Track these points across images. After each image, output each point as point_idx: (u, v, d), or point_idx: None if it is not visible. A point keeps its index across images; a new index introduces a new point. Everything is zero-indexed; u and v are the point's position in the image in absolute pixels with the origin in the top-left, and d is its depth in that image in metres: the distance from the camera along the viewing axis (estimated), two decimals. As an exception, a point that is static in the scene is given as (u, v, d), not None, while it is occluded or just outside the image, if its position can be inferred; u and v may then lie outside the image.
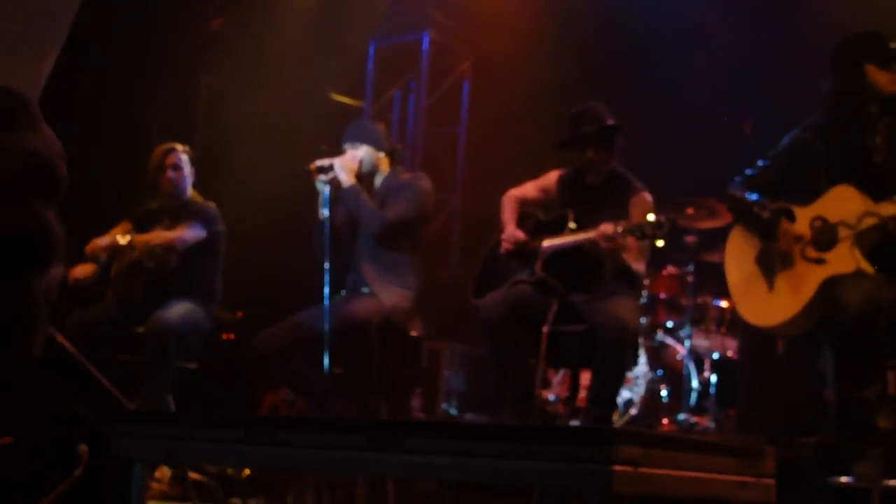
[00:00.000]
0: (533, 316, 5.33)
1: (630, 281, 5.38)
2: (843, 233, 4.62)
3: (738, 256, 5.08)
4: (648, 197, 5.52)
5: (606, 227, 5.17)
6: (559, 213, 5.57)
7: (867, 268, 4.55)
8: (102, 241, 6.35)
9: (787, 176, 4.94)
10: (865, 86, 4.75)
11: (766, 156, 5.07)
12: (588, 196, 5.58)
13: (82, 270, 6.36)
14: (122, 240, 6.31)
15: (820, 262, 4.69)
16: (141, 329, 6.24)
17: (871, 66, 4.73)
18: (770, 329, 4.97)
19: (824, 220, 4.70)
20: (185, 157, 6.63)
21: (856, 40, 4.82)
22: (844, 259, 4.60)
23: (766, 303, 4.93)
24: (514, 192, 5.87)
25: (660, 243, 5.16)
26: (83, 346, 4.68)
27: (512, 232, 5.64)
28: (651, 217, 4.98)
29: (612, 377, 5.23)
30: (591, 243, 5.24)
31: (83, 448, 3.57)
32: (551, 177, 5.83)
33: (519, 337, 5.32)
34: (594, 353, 5.18)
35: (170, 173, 6.57)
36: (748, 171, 5.09)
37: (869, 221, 4.54)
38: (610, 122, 5.52)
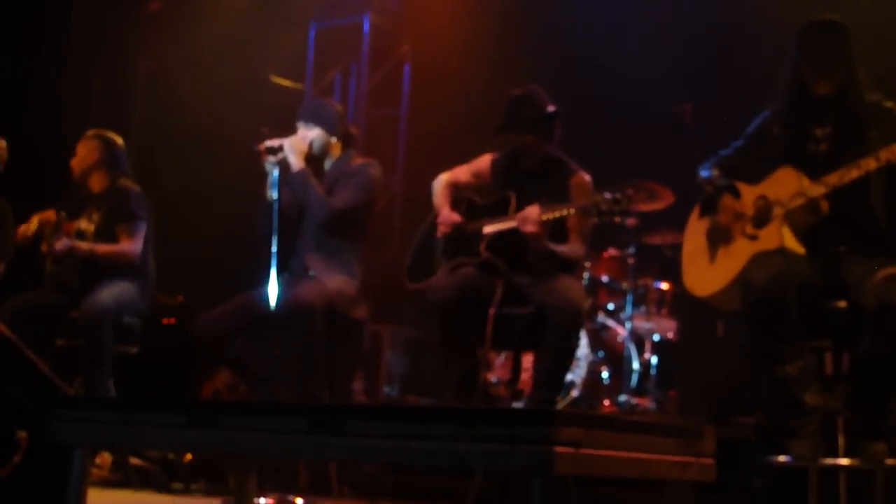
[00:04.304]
0: (479, 298, 5.31)
1: (562, 266, 5.36)
2: (776, 211, 4.68)
3: (694, 230, 5.14)
4: (587, 177, 5.50)
5: (530, 211, 5.18)
6: (500, 195, 5.54)
7: (793, 245, 4.60)
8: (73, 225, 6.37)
9: (753, 157, 4.99)
10: (802, 86, 4.81)
11: (739, 136, 5.12)
12: (526, 180, 5.54)
13: (26, 228, 6.39)
14: (87, 225, 6.35)
15: (754, 238, 4.75)
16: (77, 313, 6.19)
17: (806, 67, 4.78)
18: (704, 299, 5.02)
19: (766, 199, 4.75)
20: (91, 144, 6.63)
21: (798, 37, 4.84)
22: (772, 236, 4.66)
23: (704, 273, 4.99)
24: (446, 177, 5.84)
25: (617, 220, 5.13)
26: (21, 332, 4.64)
27: (448, 215, 5.61)
28: (607, 194, 4.96)
29: (563, 359, 5.21)
30: (516, 229, 5.26)
31: (22, 434, 3.54)
32: (484, 160, 5.79)
33: (466, 320, 5.29)
34: (541, 335, 5.16)
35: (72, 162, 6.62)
36: (722, 151, 5.15)
37: (798, 201, 4.60)
38: (550, 108, 5.51)
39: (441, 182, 5.81)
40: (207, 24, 9.71)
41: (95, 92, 9.83)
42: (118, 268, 6.33)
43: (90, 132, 6.71)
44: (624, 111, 8.43)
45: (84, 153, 6.62)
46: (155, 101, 9.90)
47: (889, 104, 4.73)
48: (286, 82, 10.28)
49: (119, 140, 6.71)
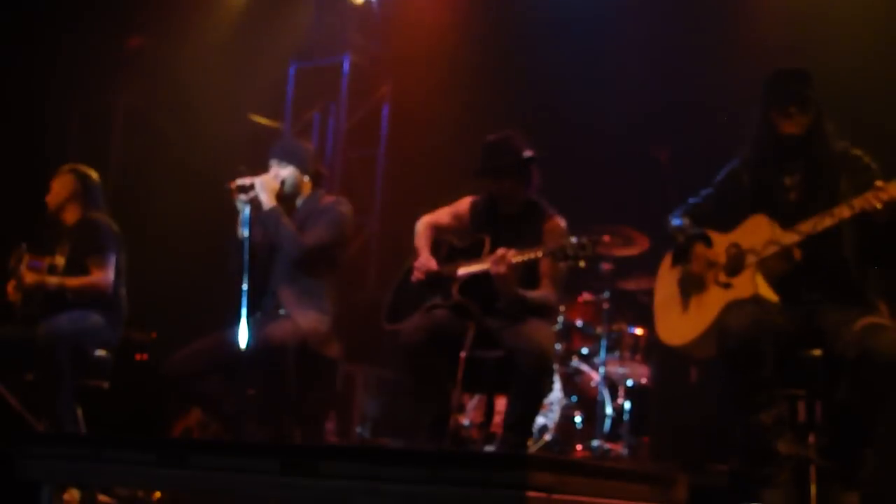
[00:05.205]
0: (450, 341, 5.30)
1: (533, 310, 5.34)
2: (749, 259, 4.69)
3: (665, 279, 5.16)
4: (562, 222, 5.50)
5: (500, 253, 5.17)
6: (475, 238, 5.54)
7: (766, 293, 4.61)
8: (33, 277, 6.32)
9: (722, 205, 5.01)
10: (771, 130, 4.84)
11: (709, 185, 5.14)
12: (503, 224, 5.55)
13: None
14: (59, 259, 6.33)
15: (727, 286, 4.76)
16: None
17: (774, 110, 4.82)
18: (678, 348, 5.02)
19: (738, 247, 4.77)
20: (65, 179, 6.62)
21: (765, 84, 4.89)
22: (745, 284, 4.67)
23: (678, 322, 4.99)
24: (428, 219, 5.84)
25: (582, 264, 5.09)
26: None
27: (424, 261, 5.60)
28: (573, 238, 4.94)
29: (531, 403, 5.20)
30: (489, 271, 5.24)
31: (-10, 469, 3.51)
32: (464, 203, 5.80)
33: (437, 362, 5.27)
34: (511, 378, 5.15)
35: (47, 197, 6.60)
36: (691, 200, 5.17)
37: (772, 249, 4.62)
38: (527, 153, 5.51)
39: (422, 224, 5.81)
40: (187, 61, 9.71)
41: (74, 128, 9.81)
42: (87, 300, 6.29)
43: (65, 167, 6.68)
44: (600, 156, 8.47)
45: (58, 188, 6.59)
46: (134, 137, 9.88)
47: (857, 152, 4.76)
48: (265, 121, 10.29)
49: (94, 174, 6.68)
